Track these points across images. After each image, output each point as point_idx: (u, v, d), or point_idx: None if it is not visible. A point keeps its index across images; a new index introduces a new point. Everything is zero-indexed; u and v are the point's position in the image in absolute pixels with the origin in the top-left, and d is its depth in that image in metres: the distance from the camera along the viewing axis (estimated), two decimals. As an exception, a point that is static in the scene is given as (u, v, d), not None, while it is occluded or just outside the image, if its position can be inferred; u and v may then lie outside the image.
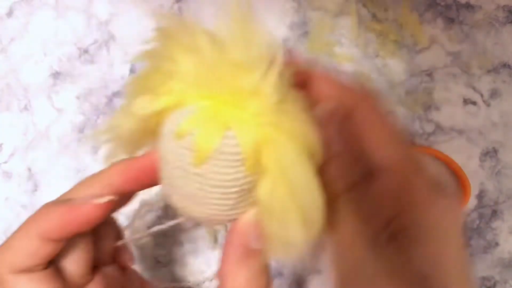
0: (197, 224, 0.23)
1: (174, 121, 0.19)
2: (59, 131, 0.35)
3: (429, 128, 0.34)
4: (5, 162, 0.35)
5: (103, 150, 0.23)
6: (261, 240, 0.20)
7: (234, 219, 0.21)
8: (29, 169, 0.35)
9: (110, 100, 0.35)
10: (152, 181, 0.22)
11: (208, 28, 0.19)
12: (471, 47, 0.35)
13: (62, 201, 0.22)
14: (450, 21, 0.35)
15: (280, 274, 0.34)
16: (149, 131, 0.21)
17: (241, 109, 0.19)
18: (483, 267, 0.33)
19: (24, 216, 0.35)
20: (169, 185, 0.20)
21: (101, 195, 0.21)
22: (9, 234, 0.35)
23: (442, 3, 0.35)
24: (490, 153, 0.34)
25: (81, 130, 0.35)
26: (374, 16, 0.35)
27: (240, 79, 0.19)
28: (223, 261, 0.21)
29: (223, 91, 0.19)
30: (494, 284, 0.33)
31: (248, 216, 0.20)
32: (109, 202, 0.21)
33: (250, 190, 0.20)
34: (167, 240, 0.31)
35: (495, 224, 0.34)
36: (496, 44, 0.35)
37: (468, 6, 0.35)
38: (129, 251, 0.27)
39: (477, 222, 0.34)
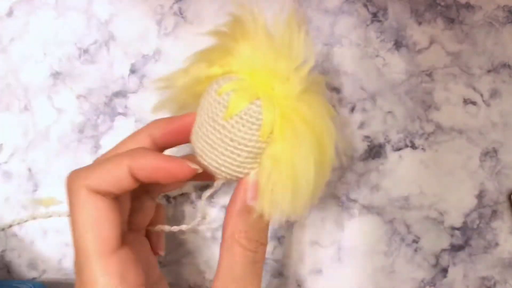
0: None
1: (219, 82, 0.24)
2: (59, 131, 0.35)
3: (429, 128, 0.34)
4: (5, 162, 0.35)
5: (156, 101, 0.27)
6: (256, 199, 0.24)
7: (238, 177, 0.25)
8: (29, 169, 0.35)
9: (110, 100, 0.35)
10: (186, 139, 0.26)
11: (265, 22, 0.24)
12: (471, 47, 0.35)
13: (153, 152, 0.24)
14: (450, 21, 0.35)
15: (280, 274, 0.34)
16: (195, 94, 0.25)
17: (272, 89, 0.24)
18: (483, 267, 0.33)
19: (24, 216, 0.35)
20: (198, 131, 0.25)
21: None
22: (9, 234, 0.35)
23: (442, 3, 0.35)
24: (490, 153, 0.34)
25: (81, 130, 0.35)
26: (374, 16, 0.35)
27: (278, 66, 0.24)
28: (227, 211, 0.25)
29: (263, 72, 0.24)
30: (494, 284, 0.33)
31: (250, 177, 0.24)
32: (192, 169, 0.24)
33: (257, 154, 0.24)
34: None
35: (495, 224, 0.34)
36: (496, 44, 0.35)
37: (468, 6, 0.35)
38: (163, 240, 0.30)
39: (477, 222, 0.34)
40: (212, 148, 0.24)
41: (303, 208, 0.24)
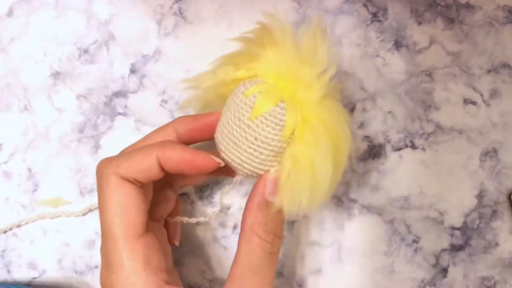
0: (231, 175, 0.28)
1: (246, 85, 0.26)
2: (59, 131, 0.35)
3: (429, 128, 0.34)
4: (5, 162, 0.35)
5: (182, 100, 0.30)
6: (275, 195, 0.26)
7: (258, 174, 0.26)
8: (29, 169, 0.35)
9: (110, 100, 0.35)
10: (210, 136, 0.28)
11: (293, 31, 0.26)
12: (471, 47, 0.35)
13: (181, 145, 0.26)
14: (450, 21, 0.35)
15: (280, 274, 0.34)
16: (220, 95, 0.27)
17: (295, 93, 0.26)
18: (483, 267, 0.33)
19: (24, 216, 0.35)
20: (223, 129, 0.26)
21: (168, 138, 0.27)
22: (9, 234, 0.35)
23: (442, 3, 0.35)
24: (490, 153, 0.34)
25: (81, 130, 0.35)
26: (374, 16, 0.35)
27: (302, 73, 0.25)
28: (247, 205, 0.26)
29: (287, 77, 0.26)
30: (494, 284, 0.33)
31: (270, 173, 0.26)
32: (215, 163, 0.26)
33: (278, 153, 0.26)
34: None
35: (495, 224, 0.34)
36: (496, 44, 0.35)
37: (468, 6, 0.35)
38: (179, 231, 0.31)
39: (477, 222, 0.34)
40: (236, 146, 0.26)
41: (319, 205, 0.26)
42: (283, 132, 0.25)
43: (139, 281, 0.24)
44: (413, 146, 0.34)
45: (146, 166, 0.25)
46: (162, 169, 0.25)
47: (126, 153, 0.26)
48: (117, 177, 0.25)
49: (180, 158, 0.25)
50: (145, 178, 0.25)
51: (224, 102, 0.27)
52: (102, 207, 0.25)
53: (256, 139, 0.25)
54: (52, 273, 0.34)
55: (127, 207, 0.24)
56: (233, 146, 0.26)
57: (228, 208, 0.34)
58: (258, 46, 0.27)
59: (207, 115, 0.28)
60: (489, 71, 0.35)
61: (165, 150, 0.25)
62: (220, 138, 0.27)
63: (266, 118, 0.25)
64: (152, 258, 0.25)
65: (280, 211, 0.26)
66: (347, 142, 0.27)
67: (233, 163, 0.26)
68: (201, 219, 0.31)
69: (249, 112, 0.25)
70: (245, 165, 0.26)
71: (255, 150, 0.25)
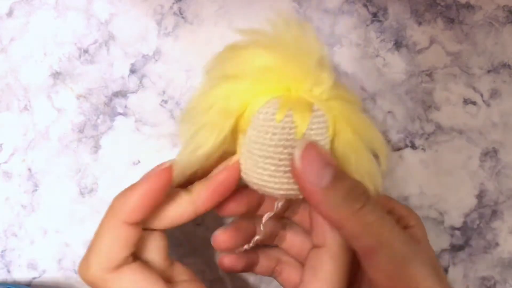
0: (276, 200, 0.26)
1: (268, 110, 0.23)
2: (59, 131, 0.35)
3: (429, 128, 0.34)
4: (5, 162, 0.35)
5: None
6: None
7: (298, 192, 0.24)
8: (29, 169, 0.35)
9: (110, 100, 0.35)
10: (228, 193, 0.25)
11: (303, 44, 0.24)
12: (471, 47, 0.35)
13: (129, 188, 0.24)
14: (450, 21, 0.35)
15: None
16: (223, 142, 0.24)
17: (309, 90, 0.24)
18: (483, 267, 0.33)
19: (24, 216, 0.35)
20: (255, 169, 0.24)
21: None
22: (9, 234, 0.35)
23: (442, 3, 0.35)
24: (490, 153, 0.34)
25: (81, 130, 0.35)
26: (374, 16, 0.35)
27: (298, 69, 0.23)
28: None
29: (291, 81, 0.24)
30: (494, 284, 0.33)
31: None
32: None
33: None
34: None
35: (495, 224, 0.34)
36: (496, 44, 0.35)
37: (468, 6, 0.35)
38: None
39: (477, 222, 0.34)
40: (278, 173, 0.24)
41: (379, 183, 0.24)
42: (328, 132, 0.24)
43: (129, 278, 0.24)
44: (413, 146, 0.34)
45: (121, 240, 0.24)
46: (139, 219, 0.24)
47: (93, 246, 0.24)
48: (109, 274, 0.23)
49: (142, 202, 0.23)
50: (129, 248, 0.24)
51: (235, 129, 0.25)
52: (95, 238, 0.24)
53: None
54: (52, 273, 0.34)
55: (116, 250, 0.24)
56: (274, 175, 0.24)
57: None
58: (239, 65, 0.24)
59: (221, 173, 0.25)
60: (489, 71, 0.35)
61: (124, 211, 0.24)
62: (254, 174, 0.24)
63: (311, 129, 0.23)
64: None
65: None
66: (367, 121, 0.25)
67: (275, 192, 0.25)
68: (240, 248, 0.28)
69: (293, 133, 0.23)
70: (289, 187, 0.24)
71: None
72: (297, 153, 0.22)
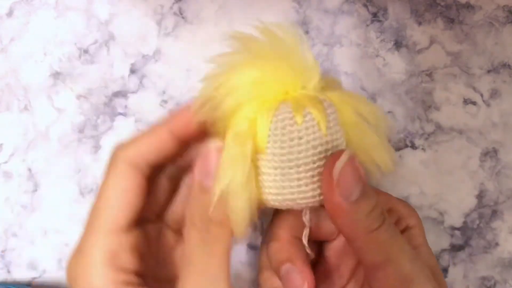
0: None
1: (284, 116, 0.22)
2: (59, 131, 0.35)
3: (429, 128, 0.34)
4: (5, 162, 0.35)
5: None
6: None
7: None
8: (29, 169, 0.35)
9: (110, 100, 0.35)
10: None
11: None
12: (471, 47, 0.35)
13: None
14: (450, 21, 0.35)
15: (280, 274, 0.34)
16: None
17: (303, 87, 0.23)
18: (483, 267, 0.33)
19: (24, 216, 0.35)
20: (290, 178, 0.22)
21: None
22: (9, 234, 0.35)
23: (442, 3, 0.35)
24: (490, 153, 0.34)
25: (81, 130, 0.35)
26: (374, 16, 0.35)
27: (292, 69, 0.23)
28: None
29: (290, 82, 0.23)
30: (494, 284, 0.33)
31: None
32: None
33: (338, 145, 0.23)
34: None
35: (495, 224, 0.34)
36: (496, 44, 0.35)
37: (468, 6, 0.35)
38: None
39: (477, 222, 0.34)
40: (315, 180, 0.22)
41: (393, 153, 0.24)
42: (340, 122, 0.23)
43: (96, 274, 0.23)
44: (413, 146, 0.34)
45: (160, 144, 0.24)
46: (182, 138, 0.25)
47: (139, 136, 0.25)
48: (125, 164, 0.24)
49: (186, 126, 0.24)
50: (163, 158, 0.25)
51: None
52: (100, 192, 0.24)
53: (337, 146, 0.23)
54: (52, 273, 0.34)
55: (122, 200, 0.24)
56: (312, 181, 0.22)
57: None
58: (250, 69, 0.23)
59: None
60: (489, 71, 0.35)
61: (173, 123, 0.25)
62: (288, 189, 0.23)
63: (329, 121, 0.22)
64: (122, 256, 0.24)
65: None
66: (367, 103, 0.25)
67: (310, 202, 0.23)
68: None
69: (317, 131, 0.22)
70: (320, 192, 0.23)
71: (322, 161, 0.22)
72: (339, 165, 0.21)
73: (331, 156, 0.22)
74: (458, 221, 0.34)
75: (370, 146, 0.24)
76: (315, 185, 0.22)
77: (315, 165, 0.22)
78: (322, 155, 0.22)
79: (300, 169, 0.22)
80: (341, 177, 0.21)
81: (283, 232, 0.27)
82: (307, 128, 0.22)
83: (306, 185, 0.22)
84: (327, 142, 0.22)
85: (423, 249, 0.27)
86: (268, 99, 0.23)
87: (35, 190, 0.35)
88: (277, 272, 0.26)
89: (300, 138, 0.22)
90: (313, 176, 0.22)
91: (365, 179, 0.23)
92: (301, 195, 0.23)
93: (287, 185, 0.22)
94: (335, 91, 0.24)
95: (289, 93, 0.23)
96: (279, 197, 0.23)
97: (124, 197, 0.24)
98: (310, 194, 0.23)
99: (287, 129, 0.22)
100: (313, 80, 0.23)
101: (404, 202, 0.29)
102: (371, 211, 0.22)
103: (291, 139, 0.22)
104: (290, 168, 0.22)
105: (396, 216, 0.28)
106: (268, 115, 0.22)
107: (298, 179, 0.22)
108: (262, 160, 0.23)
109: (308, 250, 0.25)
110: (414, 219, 0.28)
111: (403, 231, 0.27)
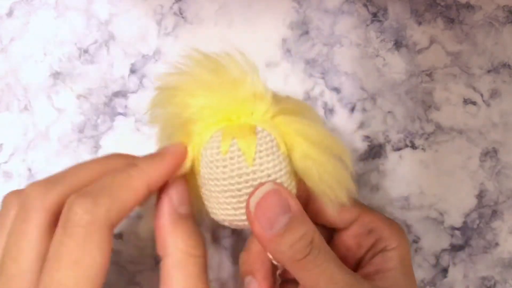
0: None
1: (212, 145, 0.23)
2: (59, 131, 0.35)
3: (429, 128, 0.34)
4: (5, 162, 0.35)
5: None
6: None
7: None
8: (29, 169, 0.35)
9: (110, 100, 0.35)
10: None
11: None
12: (471, 47, 0.35)
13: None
14: (450, 21, 0.35)
15: (280, 274, 0.34)
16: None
17: (251, 113, 0.23)
18: (483, 267, 0.33)
19: (24, 216, 0.35)
20: (219, 201, 0.24)
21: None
22: (9, 234, 0.35)
23: (442, 3, 0.35)
24: (490, 153, 0.34)
25: (81, 130, 0.35)
26: (374, 16, 0.35)
27: (235, 94, 0.23)
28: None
29: (225, 106, 0.23)
30: (494, 284, 0.33)
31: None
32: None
33: (287, 173, 0.23)
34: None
35: (495, 224, 0.34)
36: (496, 44, 0.35)
37: (468, 6, 0.35)
38: None
39: (477, 222, 0.34)
40: (241, 206, 0.23)
41: (352, 188, 0.24)
42: (280, 149, 0.23)
43: None
44: (413, 146, 0.34)
45: (136, 201, 0.22)
46: (148, 194, 0.23)
47: (114, 190, 0.22)
48: (107, 228, 0.21)
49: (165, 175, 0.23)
50: (131, 211, 0.23)
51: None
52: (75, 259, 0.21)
53: (269, 176, 0.23)
54: (52, 273, 0.34)
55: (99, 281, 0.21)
56: (239, 206, 0.23)
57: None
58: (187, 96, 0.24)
59: (171, 153, 0.24)
60: (489, 71, 0.35)
61: (151, 176, 0.23)
62: (220, 211, 0.24)
63: (260, 151, 0.23)
64: None
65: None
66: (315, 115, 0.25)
67: (246, 224, 0.23)
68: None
69: (243, 160, 0.22)
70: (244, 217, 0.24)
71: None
72: (253, 200, 0.22)
73: (255, 188, 0.22)
74: (458, 221, 0.34)
75: (326, 178, 0.23)
76: (243, 210, 0.23)
77: (241, 193, 0.23)
78: (249, 184, 0.23)
79: (227, 194, 0.23)
80: (261, 210, 0.22)
81: (254, 244, 0.27)
82: (231, 158, 0.23)
83: (235, 209, 0.23)
84: (253, 172, 0.23)
85: (392, 274, 0.26)
86: (211, 123, 0.24)
87: (35, 190, 0.35)
88: (242, 282, 0.27)
89: (225, 167, 0.23)
90: (240, 202, 0.23)
91: (296, 210, 0.22)
92: (234, 218, 0.24)
93: (219, 207, 0.24)
94: (289, 119, 0.24)
95: (232, 120, 0.24)
96: (216, 217, 0.24)
97: (103, 273, 0.21)
98: (243, 217, 0.23)
99: (214, 157, 0.23)
100: (262, 107, 0.23)
101: (393, 222, 0.28)
102: (295, 242, 0.22)
103: (217, 167, 0.23)
104: (218, 192, 0.23)
105: (376, 237, 0.27)
106: (201, 141, 0.24)
107: (227, 203, 0.23)
108: (198, 180, 0.24)
109: (275, 262, 0.25)
110: (395, 242, 0.27)
111: (379, 252, 0.27)
